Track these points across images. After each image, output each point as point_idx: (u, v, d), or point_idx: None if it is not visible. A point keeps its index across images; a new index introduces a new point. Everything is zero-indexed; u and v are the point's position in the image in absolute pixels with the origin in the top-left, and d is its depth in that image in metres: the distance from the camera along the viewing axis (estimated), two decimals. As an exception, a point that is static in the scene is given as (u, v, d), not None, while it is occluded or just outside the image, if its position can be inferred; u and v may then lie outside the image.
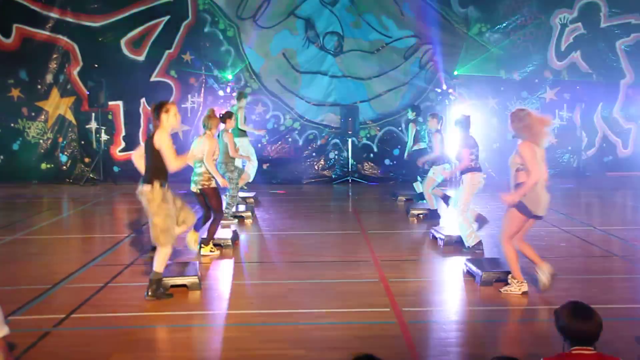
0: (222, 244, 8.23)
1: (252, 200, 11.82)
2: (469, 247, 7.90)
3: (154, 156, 6.02)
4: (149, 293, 6.15)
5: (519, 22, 15.58)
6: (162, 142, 5.97)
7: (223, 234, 8.38)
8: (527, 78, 15.71)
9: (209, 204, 7.82)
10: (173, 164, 5.97)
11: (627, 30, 15.75)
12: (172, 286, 6.39)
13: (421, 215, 10.46)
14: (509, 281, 6.31)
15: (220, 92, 15.23)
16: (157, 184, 5.99)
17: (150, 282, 6.19)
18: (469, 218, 7.97)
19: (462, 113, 8.68)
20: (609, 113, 16.02)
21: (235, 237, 8.62)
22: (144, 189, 6.01)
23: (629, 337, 5.07)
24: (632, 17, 15.67)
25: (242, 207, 10.73)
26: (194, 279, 6.47)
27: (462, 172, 7.82)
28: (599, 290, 6.40)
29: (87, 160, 15.30)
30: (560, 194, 13.44)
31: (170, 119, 6.06)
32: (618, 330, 5.13)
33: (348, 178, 15.41)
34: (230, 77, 15.21)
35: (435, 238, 8.65)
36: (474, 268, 6.75)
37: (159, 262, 6.21)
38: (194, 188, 7.82)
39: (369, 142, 15.71)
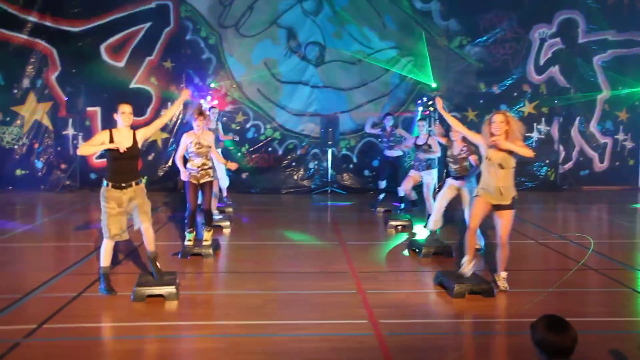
0: (202, 254, 8.25)
1: (230, 209, 11.76)
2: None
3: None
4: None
5: (499, 36, 15.75)
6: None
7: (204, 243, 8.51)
8: (506, 91, 15.87)
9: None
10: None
11: (603, 46, 15.99)
12: (149, 296, 6.33)
13: (399, 227, 10.49)
14: (502, 277, 6.81)
15: (202, 101, 15.14)
16: (103, 182, 6.47)
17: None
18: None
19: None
20: (586, 127, 16.22)
21: (216, 246, 8.59)
22: None
23: (603, 350, 5.10)
24: (608, 34, 15.91)
25: (220, 217, 10.67)
26: (172, 289, 6.40)
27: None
28: (574, 303, 6.43)
29: (63, 166, 15.12)
30: (537, 207, 13.58)
31: (118, 117, 6.43)
32: (593, 344, 5.16)
33: (327, 188, 15.41)
34: (213, 85, 15.13)
35: (413, 249, 8.66)
36: (446, 280, 6.76)
37: (100, 254, 6.60)
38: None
39: (348, 153, 15.73)
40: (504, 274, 6.80)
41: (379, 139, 12.60)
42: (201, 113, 8.51)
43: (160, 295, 6.36)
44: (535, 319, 3.44)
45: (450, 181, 8.54)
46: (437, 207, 8.63)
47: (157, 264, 6.70)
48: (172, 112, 6.97)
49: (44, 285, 6.91)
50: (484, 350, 5.36)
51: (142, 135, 6.55)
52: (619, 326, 5.87)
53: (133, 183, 6.47)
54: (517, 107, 15.84)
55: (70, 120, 15.13)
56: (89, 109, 14.97)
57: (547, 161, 16.03)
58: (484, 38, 15.71)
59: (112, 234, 6.43)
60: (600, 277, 7.62)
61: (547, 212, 13.11)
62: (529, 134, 15.88)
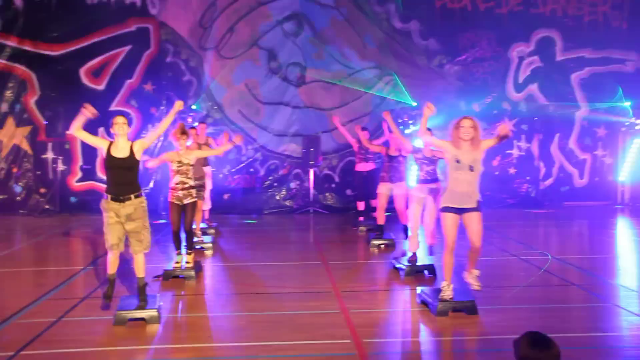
0: (184, 276, 8.21)
1: (213, 230, 11.68)
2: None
3: None
4: None
5: (478, 55, 15.91)
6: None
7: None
8: (486, 109, 15.99)
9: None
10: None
11: (581, 63, 16.20)
12: (131, 319, 6.25)
13: (382, 246, 10.48)
14: (475, 275, 6.74)
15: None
16: (103, 195, 6.42)
17: None
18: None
19: None
20: (565, 144, 16.40)
21: (198, 268, 8.53)
22: None
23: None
24: (585, 52, 16.14)
25: (202, 238, 10.58)
26: (153, 313, 6.32)
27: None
28: (557, 319, 6.44)
29: (42, 190, 14.96)
30: (519, 223, 13.65)
31: (114, 128, 6.39)
32: (576, 359, 5.17)
33: (309, 208, 15.38)
34: (194, 107, 15.11)
35: (396, 268, 8.65)
36: (429, 298, 6.75)
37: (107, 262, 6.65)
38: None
39: (330, 172, 15.74)
40: (476, 272, 6.70)
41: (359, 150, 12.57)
42: (184, 132, 8.50)
43: (142, 319, 6.28)
44: (518, 336, 3.44)
45: (417, 191, 8.49)
46: (412, 227, 8.61)
47: (146, 291, 6.63)
48: (166, 123, 6.83)
49: (22, 311, 6.79)
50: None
51: (140, 146, 6.45)
52: (601, 342, 5.89)
53: (132, 196, 6.38)
54: (497, 124, 15.95)
55: (50, 144, 15.02)
56: (68, 132, 14.83)
57: (528, 178, 16.16)
58: (464, 57, 15.87)
59: (109, 244, 6.41)
60: (582, 292, 7.65)
61: (529, 228, 13.18)
62: (509, 151, 16.02)
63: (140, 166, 6.59)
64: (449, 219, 6.52)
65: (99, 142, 6.46)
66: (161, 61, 15.20)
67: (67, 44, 14.91)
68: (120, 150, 6.34)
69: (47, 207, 14.85)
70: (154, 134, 6.78)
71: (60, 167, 15.04)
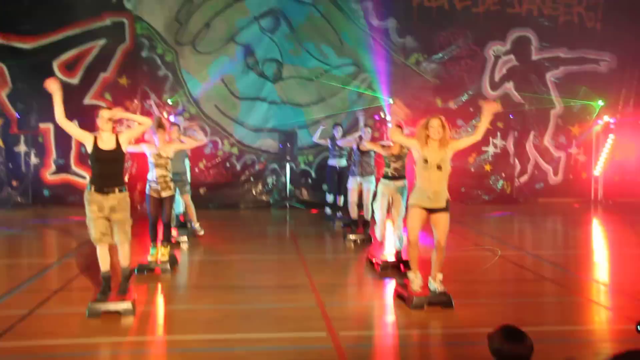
0: (160, 269, 8.15)
1: (189, 225, 11.59)
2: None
3: None
4: None
5: (455, 53, 16.00)
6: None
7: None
8: (463, 107, 16.10)
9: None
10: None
11: (556, 63, 16.39)
12: (105, 312, 6.18)
13: (358, 240, 10.50)
14: (439, 280, 6.69)
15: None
16: (87, 186, 6.31)
17: None
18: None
19: None
20: (540, 141, 16.57)
21: (174, 261, 8.46)
22: None
23: (558, 358, 5.16)
24: (560, 51, 16.32)
25: (178, 232, 10.51)
26: (128, 305, 6.26)
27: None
28: (530, 313, 6.51)
29: (15, 183, 14.74)
30: (494, 220, 13.78)
31: (98, 122, 6.32)
32: (549, 352, 5.21)
33: (286, 203, 15.37)
34: (170, 101, 15.00)
35: (371, 262, 8.67)
36: (404, 292, 6.77)
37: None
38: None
39: (307, 168, 15.73)
40: (440, 276, 6.72)
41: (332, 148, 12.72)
42: (160, 125, 8.45)
43: (117, 312, 6.22)
44: (493, 330, 3.47)
45: (383, 186, 8.55)
46: (380, 219, 8.70)
47: (128, 282, 6.57)
48: (140, 118, 6.79)
49: (-7, 304, 6.70)
50: (443, 360, 5.37)
51: (126, 138, 6.42)
52: (574, 335, 5.96)
53: (116, 189, 6.33)
54: (473, 121, 16.07)
55: (22, 137, 14.80)
56: (41, 125, 14.65)
57: (503, 175, 16.31)
58: (440, 55, 15.95)
59: (93, 238, 6.38)
60: (555, 286, 7.75)
61: (504, 225, 13.30)
62: (485, 148, 16.15)
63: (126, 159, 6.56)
64: (416, 213, 6.58)
65: (85, 136, 6.36)
66: (137, 55, 15.04)
67: (40, 37, 14.68)
68: (107, 143, 6.31)
69: (19, 200, 14.65)
70: (137, 129, 6.68)
71: (33, 160, 14.84)
